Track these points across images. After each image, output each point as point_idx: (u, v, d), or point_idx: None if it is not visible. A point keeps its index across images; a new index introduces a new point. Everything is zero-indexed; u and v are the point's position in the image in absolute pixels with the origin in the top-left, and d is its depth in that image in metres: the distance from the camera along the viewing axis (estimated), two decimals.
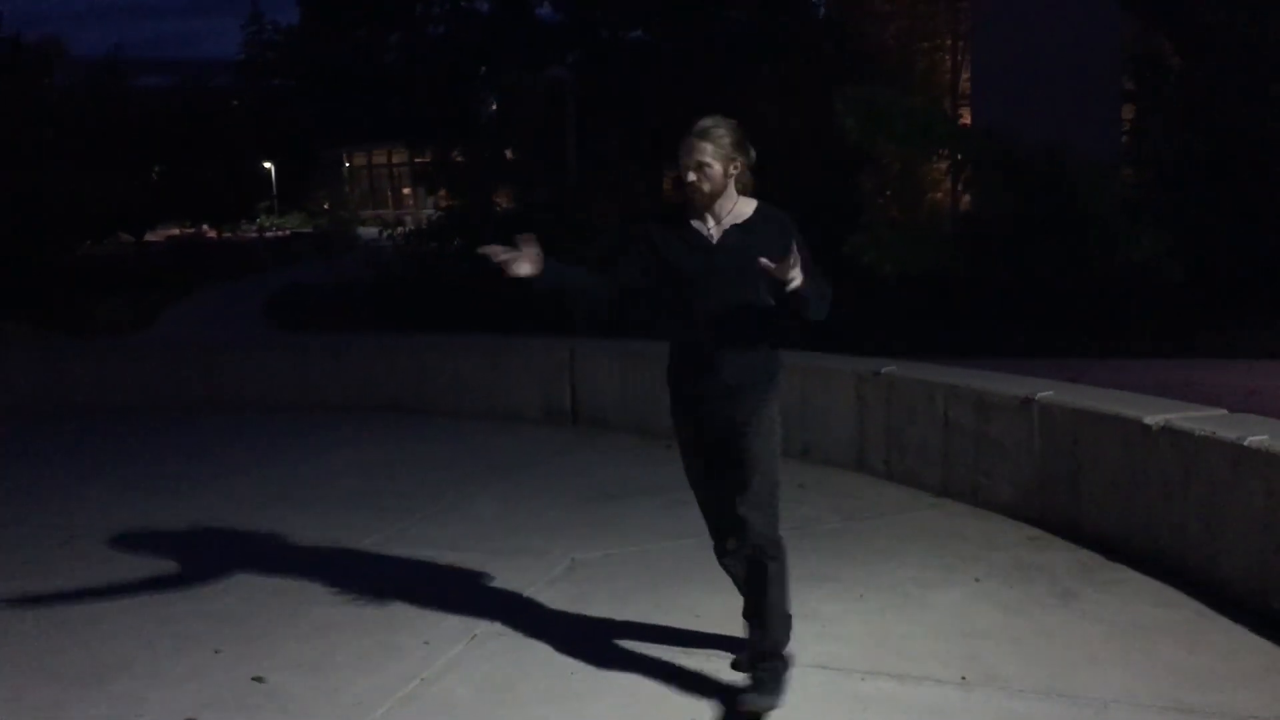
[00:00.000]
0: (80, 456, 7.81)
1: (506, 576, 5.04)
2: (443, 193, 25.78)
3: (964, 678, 3.95)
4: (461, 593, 4.84)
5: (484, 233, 14.72)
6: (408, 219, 38.77)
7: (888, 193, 23.81)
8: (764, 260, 3.43)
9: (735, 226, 3.68)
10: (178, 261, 39.67)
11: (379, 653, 4.23)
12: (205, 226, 49.00)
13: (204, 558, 5.40)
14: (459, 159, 24.39)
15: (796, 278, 3.41)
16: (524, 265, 3.52)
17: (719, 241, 3.67)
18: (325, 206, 55.22)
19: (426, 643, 4.29)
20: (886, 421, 6.67)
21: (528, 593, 4.85)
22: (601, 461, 7.36)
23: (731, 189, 3.66)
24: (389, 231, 23.39)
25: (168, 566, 5.28)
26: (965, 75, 27.37)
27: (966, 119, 22.94)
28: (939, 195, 25.22)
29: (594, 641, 4.29)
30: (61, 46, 29.84)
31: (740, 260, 3.59)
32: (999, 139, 14.37)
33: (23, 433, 8.61)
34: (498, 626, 4.45)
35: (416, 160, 36.19)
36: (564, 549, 5.43)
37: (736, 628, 3.98)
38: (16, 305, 21.15)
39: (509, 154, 23.28)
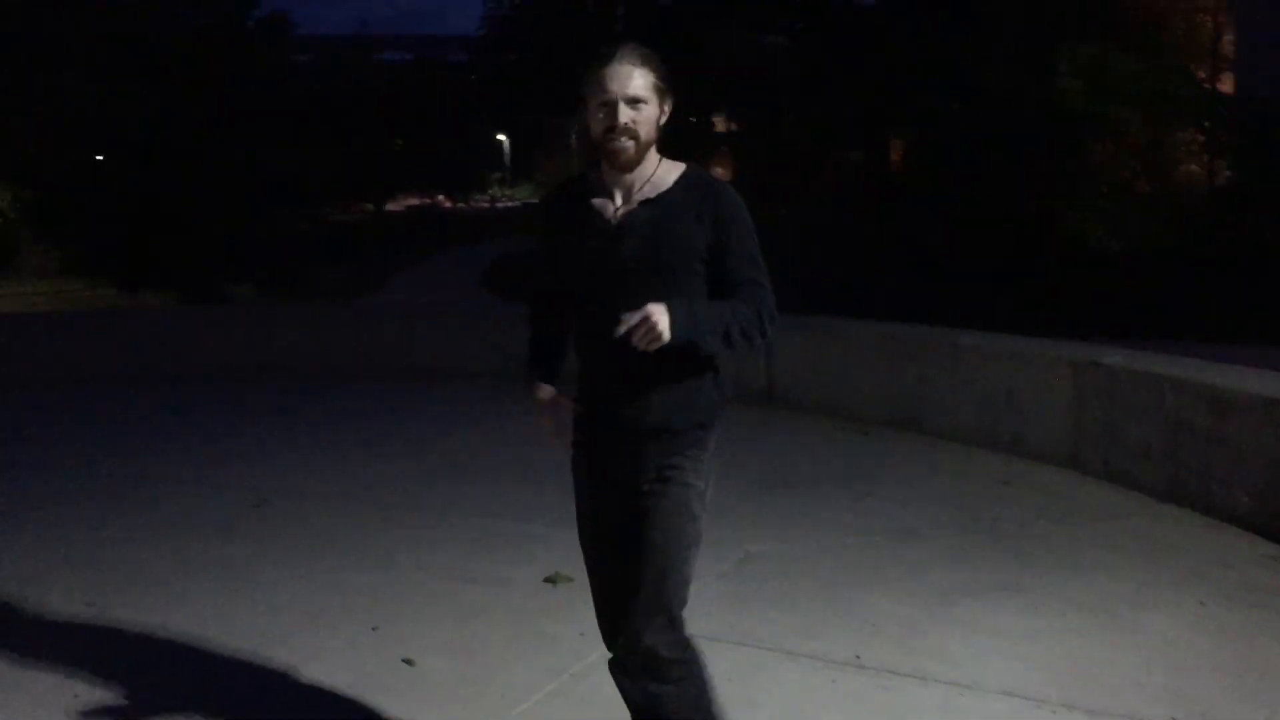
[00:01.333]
0: (282, 419, 8.06)
1: None
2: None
3: (1174, 719, 3.45)
4: None
5: None
6: None
7: (1133, 163, 22.16)
8: (623, 318, 2.47)
9: (646, 202, 2.68)
10: (413, 229, 41.43)
11: (532, 641, 4.08)
12: (441, 196, 50.95)
13: (374, 531, 5.40)
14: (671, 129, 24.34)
15: (654, 338, 2.46)
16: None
17: (621, 222, 2.68)
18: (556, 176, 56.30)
19: (581, 634, 4.09)
20: (1106, 416, 6.05)
21: (695, 585, 4.58)
22: (789, 445, 7.02)
23: (653, 148, 2.70)
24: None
25: (340, 537, 5.30)
26: (1228, 38, 25.12)
27: (1228, 86, 21.06)
28: (1193, 168, 23.31)
29: (756, 645, 4.01)
30: (288, 22, 31.32)
31: (649, 249, 2.64)
32: (1265, 107, 13.02)
33: (235, 393, 8.98)
34: None
35: None
36: (737, 539, 5.15)
37: (920, 649, 3.61)
38: (249, 270, 22.44)
39: (720, 123, 22.96)
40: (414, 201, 50.32)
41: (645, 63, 2.63)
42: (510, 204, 53.28)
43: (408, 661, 3.91)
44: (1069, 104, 13.44)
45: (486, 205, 52.94)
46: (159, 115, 20.40)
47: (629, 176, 2.68)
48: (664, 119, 2.68)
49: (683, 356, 2.61)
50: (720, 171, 27.42)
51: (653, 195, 2.69)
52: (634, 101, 2.60)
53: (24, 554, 5.07)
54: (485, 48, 56.56)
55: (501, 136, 52.94)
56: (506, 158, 54.07)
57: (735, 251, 2.68)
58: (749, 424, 7.59)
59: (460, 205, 51.20)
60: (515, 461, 6.59)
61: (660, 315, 2.47)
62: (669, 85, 2.66)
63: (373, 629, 4.19)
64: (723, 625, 4.16)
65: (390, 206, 46.01)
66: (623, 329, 2.46)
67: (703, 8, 26.96)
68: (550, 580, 4.62)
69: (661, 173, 2.71)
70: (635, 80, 2.61)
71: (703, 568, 4.73)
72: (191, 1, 25.96)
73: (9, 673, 3.80)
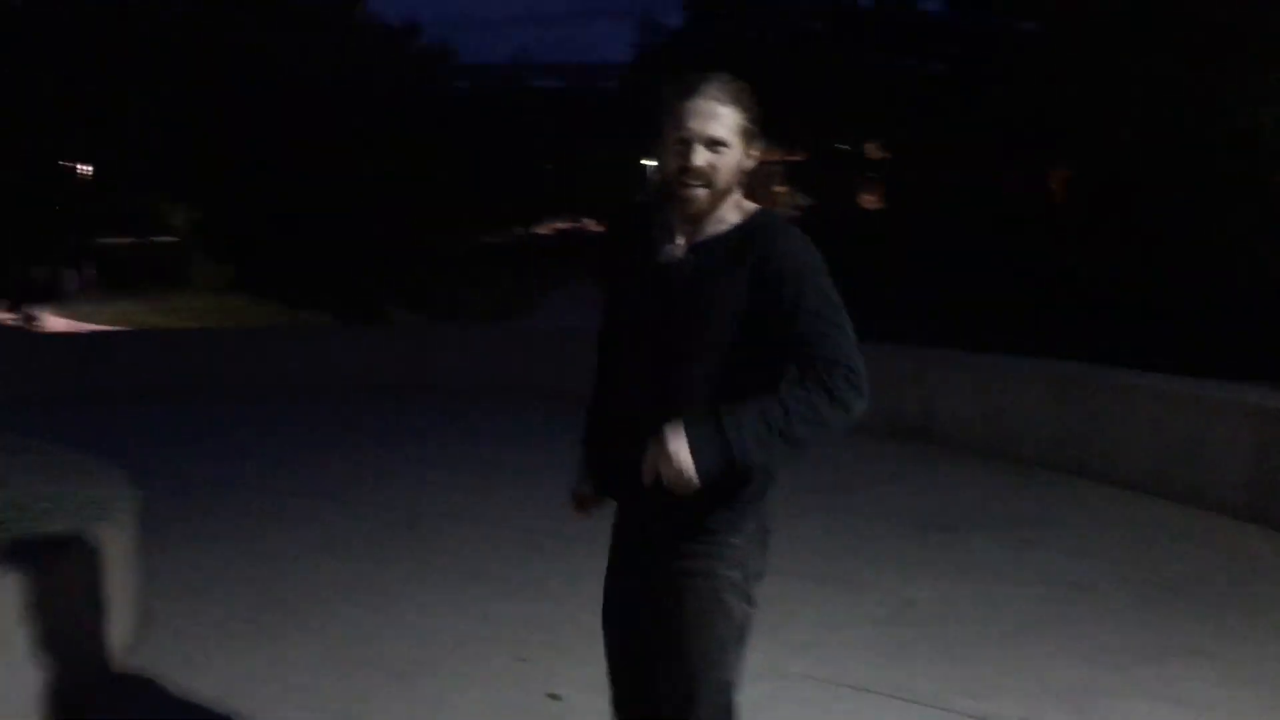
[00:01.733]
0: (436, 436, 8.16)
1: (826, 610, 4.64)
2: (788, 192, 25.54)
3: None
4: (774, 624, 4.48)
5: (843, 234, 14.25)
6: None
7: None
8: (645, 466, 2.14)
9: (695, 248, 2.33)
10: (562, 253, 42.02)
11: None
12: (586, 220, 51.60)
13: (530, 554, 5.38)
14: (825, 158, 23.99)
15: (682, 485, 2.11)
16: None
17: (667, 270, 2.33)
18: None
19: None
20: None
21: (847, 631, 4.43)
22: (947, 484, 6.77)
23: (732, 196, 2.34)
24: None
25: (492, 563, 5.29)
26: None
27: None
28: None
29: (914, 700, 3.81)
30: (447, 52, 32.13)
31: (685, 307, 2.28)
32: None
33: (394, 409, 9.15)
34: (810, 667, 4.07)
35: (787, 158, 36.22)
36: (893, 583, 4.96)
37: (1096, 717, 3.37)
38: (403, 291, 22.97)
39: (873, 150, 22.57)
40: (561, 225, 51.05)
41: (734, 100, 2.27)
42: None
43: (553, 696, 3.84)
44: (1261, 138, 12.73)
45: None
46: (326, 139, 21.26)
47: (699, 225, 2.34)
48: (748, 164, 2.32)
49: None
50: (870, 200, 26.96)
51: (702, 240, 2.33)
52: (714, 144, 2.25)
53: (185, 565, 5.20)
54: (636, 75, 57.25)
55: (647, 162, 53.31)
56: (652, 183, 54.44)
57: (792, 315, 2.20)
58: (905, 461, 7.37)
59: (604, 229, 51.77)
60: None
61: (678, 449, 2.07)
62: (759, 127, 2.31)
63: (520, 660, 4.15)
64: (877, 675, 3.99)
65: (539, 230, 46.76)
66: (648, 478, 2.14)
67: (859, 33, 26.66)
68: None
69: (728, 217, 2.33)
70: (720, 120, 2.25)
71: (857, 612, 4.60)
72: (349, 29, 26.88)
73: (172, 680, 3.88)
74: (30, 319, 18.57)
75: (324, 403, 9.43)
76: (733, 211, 2.34)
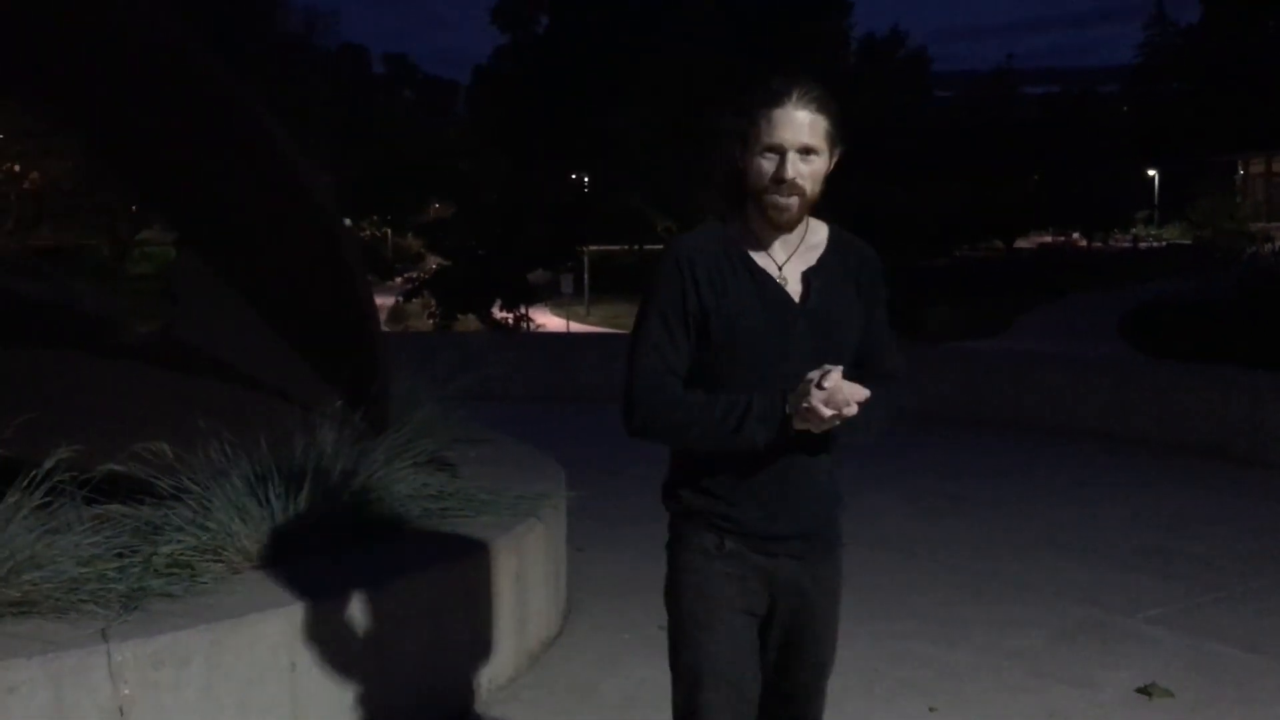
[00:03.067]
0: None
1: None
2: None
3: None
4: (1237, 714, 3.83)
5: None
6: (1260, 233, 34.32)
7: None
8: (820, 382, 2.11)
9: (811, 270, 2.29)
10: (1043, 269, 39.83)
11: None
12: (1076, 234, 48.56)
13: (950, 599, 5.05)
14: None
15: (851, 407, 2.12)
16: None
17: (801, 292, 2.27)
18: (1222, 217, 51.28)
19: None
20: None
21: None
22: None
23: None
24: (1252, 248, 20.79)
25: (913, 600, 5.01)
26: None
27: None
28: None
29: None
30: (927, 58, 31.56)
31: (822, 326, 2.27)
32: None
33: None
34: None
35: None
36: None
37: None
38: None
39: None
40: (1046, 239, 48.45)
41: (822, 108, 2.21)
42: (1155, 244, 49.32)
43: None
44: None
45: (1127, 245, 49.46)
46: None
47: (787, 235, 2.29)
48: (829, 171, 2.27)
49: (832, 446, 2.31)
50: None
51: (814, 261, 2.31)
52: (806, 152, 2.21)
53: (614, 563, 5.40)
54: (1141, 78, 53.01)
55: (1152, 172, 49.23)
56: (1155, 195, 50.15)
57: (881, 326, 2.38)
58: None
59: (1097, 244, 48.36)
60: (1126, 542, 5.89)
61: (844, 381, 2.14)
62: (841, 134, 2.26)
63: (930, 709, 3.86)
64: None
65: (1021, 243, 44.68)
66: (826, 382, 2.11)
67: None
68: (1145, 691, 3.96)
69: (813, 231, 2.34)
70: (812, 127, 2.20)
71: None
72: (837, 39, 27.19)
73: (584, 675, 4.01)
74: (522, 319, 20.57)
75: None
76: (818, 228, 2.35)
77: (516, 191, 20.84)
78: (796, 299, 2.27)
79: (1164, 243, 49.33)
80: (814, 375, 2.12)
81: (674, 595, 2.35)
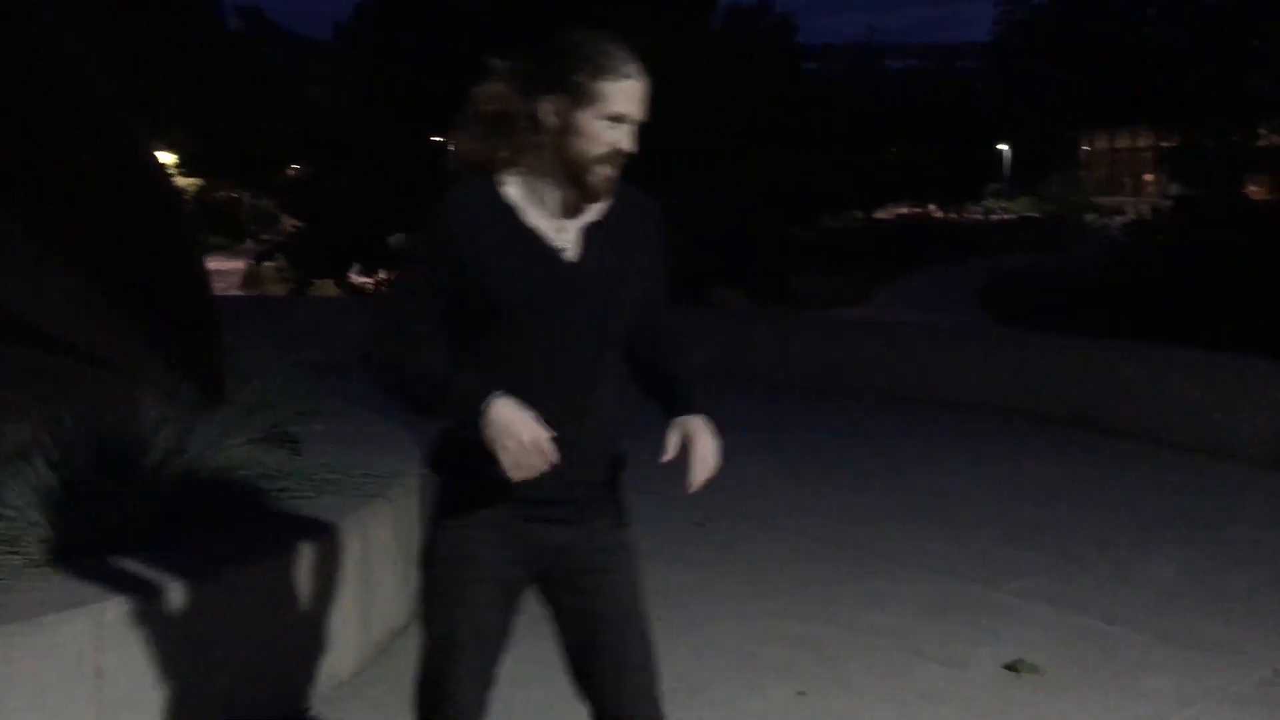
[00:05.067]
0: (744, 427, 7.81)
1: (1172, 676, 3.87)
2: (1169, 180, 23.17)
3: None
4: (1105, 687, 3.78)
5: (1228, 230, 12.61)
6: (1128, 208, 35.92)
7: None
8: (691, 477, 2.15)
9: (594, 227, 2.14)
10: (902, 240, 40.73)
11: None
12: (932, 206, 49.77)
13: (822, 573, 4.92)
14: (1208, 143, 21.52)
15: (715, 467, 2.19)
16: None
17: (571, 253, 2.12)
18: (1066, 192, 53.20)
19: None
20: None
21: (1201, 708, 3.66)
22: None
23: None
24: (1102, 221, 21.52)
25: (784, 576, 4.88)
26: None
27: None
28: None
29: None
30: (793, 27, 31.68)
31: (606, 290, 2.13)
32: None
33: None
34: None
35: (1162, 144, 33.31)
36: (1265, 650, 4.10)
37: None
38: (738, 276, 22.80)
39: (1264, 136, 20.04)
40: (904, 211, 49.53)
41: (646, 80, 2.09)
42: (1006, 217, 50.96)
43: None
44: None
45: (979, 217, 50.96)
46: (670, 119, 21.45)
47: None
48: None
49: (613, 409, 2.21)
50: (1256, 190, 24.17)
51: (597, 216, 2.14)
52: (638, 125, 2.11)
53: None
54: (995, 55, 54.39)
55: (1003, 146, 50.70)
56: (1006, 169, 51.70)
57: (661, 280, 2.26)
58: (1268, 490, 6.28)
59: (951, 216, 49.68)
60: (993, 513, 5.87)
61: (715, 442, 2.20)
62: None
63: (798, 693, 3.71)
64: None
65: (879, 215, 45.56)
66: (700, 478, 2.15)
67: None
68: (1012, 668, 3.89)
69: None
70: (644, 100, 2.09)
71: (1213, 685, 3.82)
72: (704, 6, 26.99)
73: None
74: (381, 284, 19.93)
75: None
76: None
77: (377, 152, 20.18)
78: (576, 258, 2.11)
79: (1014, 216, 50.94)
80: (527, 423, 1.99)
81: (428, 564, 2.22)
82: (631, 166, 2.13)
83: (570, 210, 2.12)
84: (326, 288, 21.06)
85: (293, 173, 25.19)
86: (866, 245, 37.55)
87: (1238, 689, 3.80)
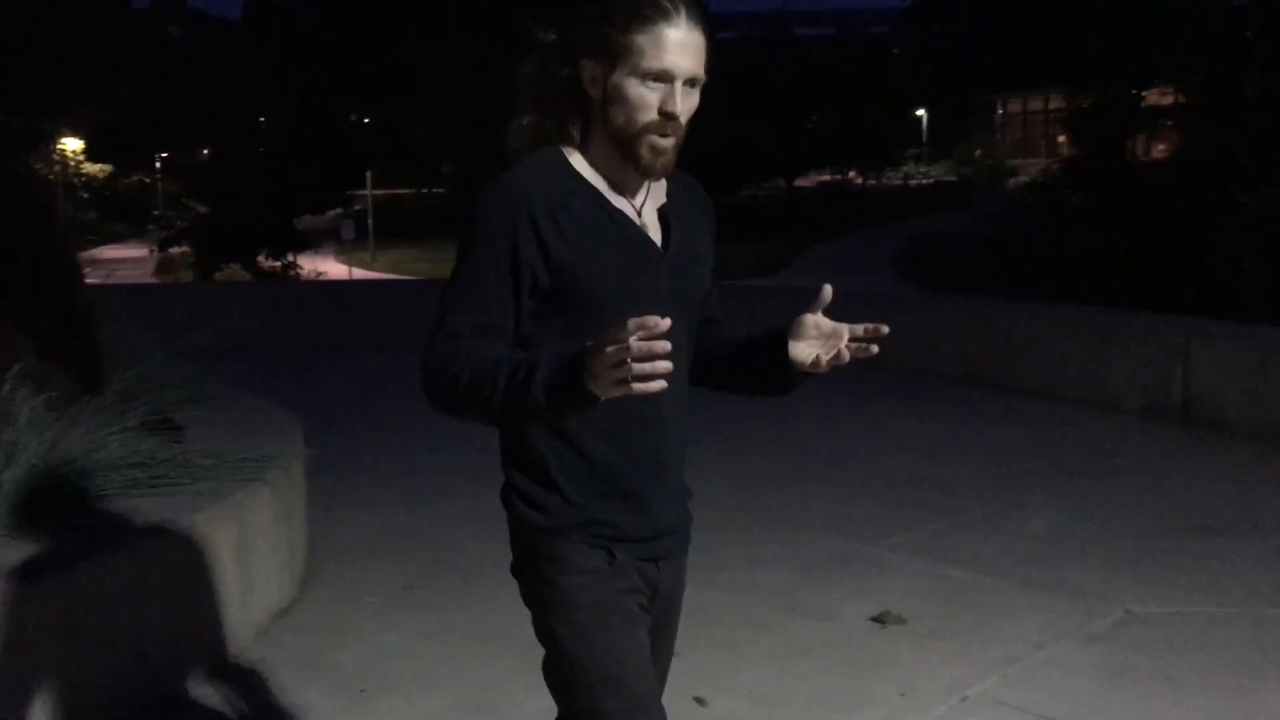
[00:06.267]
0: None
1: (1033, 620, 4.06)
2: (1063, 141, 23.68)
3: None
4: (966, 634, 3.96)
5: (1110, 189, 12.93)
6: (1024, 171, 36.64)
7: None
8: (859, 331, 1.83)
9: (666, 208, 1.91)
10: (823, 206, 41.12)
11: (846, 696, 3.53)
12: (852, 173, 50.27)
13: (707, 538, 5.04)
14: (1083, 104, 21.98)
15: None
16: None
17: (662, 235, 1.89)
18: (976, 154, 54.03)
19: (903, 695, 3.51)
20: None
21: (1053, 648, 3.85)
22: (1206, 477, 5.91)
23: None
24: (1011, 182, 21.94)
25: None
26: None
27: None
28: None
29: None
30: None
31: (685, 274, 1.91)
32: None
33: None
34: (998, 690, 3.53)
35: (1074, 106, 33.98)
36: (1120, 593, 4.30)
37: None
38: None
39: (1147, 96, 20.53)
40: (825, 178, 49.97)
41: (706, 29, 1.79)
42: (924, 181, 51.66)
43: (699, 700, 3.50)
44: None
45: (899, 182, 51.62)
46: None
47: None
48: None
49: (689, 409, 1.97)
50: (1162, 149, 24.75)
51: (665, 200, 1.91)
52: (692, 84, 1.79)
53: (366, 526, 5.19)
54: (912, 20, 55.04)
55: (920, 112, 51.32)
56: (924, 134, 52.38)
57: (716, 276, 2.04)
58: (1158, 447, 6.53)
59: (871, 182, 50.25)
60: (880, 471, 6.05)
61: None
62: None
63: (674, 654, 3.82)
64: (1081, 708, 3.41)
65: (801, 182, 45.91)
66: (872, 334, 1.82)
67: None
68: (878, 620, 4.05)
69: None
70: (699, 54, 1.78)
71: (1068, 626, 4.01)
72: None
73: (315, 647, 3.80)
74: (290, 267, 19.72)
75: None
76: None
77: (286, 133, 19.93)
78: (662, 246, 1.88)
79: (932, 180, 51.65)
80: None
81: (566, 614, 1.87)
82: None
83: (635, 190, 1.87)
84: (235, 273, 20.82)
85: (201, 157, 24.84)
86: (787, 213, 37.91)
87: (1092, 629, 3.99)
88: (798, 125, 41.50)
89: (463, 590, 4.39)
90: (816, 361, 1.86)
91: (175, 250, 23.08)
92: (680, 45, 1.76)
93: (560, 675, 1.89)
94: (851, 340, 1.85)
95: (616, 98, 1.78)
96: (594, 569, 1.86)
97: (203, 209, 22.51)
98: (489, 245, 1.78)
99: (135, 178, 35.52)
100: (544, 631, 1.90)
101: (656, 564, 1.94)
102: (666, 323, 1.57)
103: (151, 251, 25.46)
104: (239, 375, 6.24)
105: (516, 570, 1.94)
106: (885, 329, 1.84)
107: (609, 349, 1.58)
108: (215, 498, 3.70)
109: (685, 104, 1.78)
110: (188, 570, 3.46)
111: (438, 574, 4.57)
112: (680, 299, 1.87)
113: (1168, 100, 22.80)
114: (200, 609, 3.54)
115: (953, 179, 49.32)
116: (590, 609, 1.86)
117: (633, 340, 1.56)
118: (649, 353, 1.56)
